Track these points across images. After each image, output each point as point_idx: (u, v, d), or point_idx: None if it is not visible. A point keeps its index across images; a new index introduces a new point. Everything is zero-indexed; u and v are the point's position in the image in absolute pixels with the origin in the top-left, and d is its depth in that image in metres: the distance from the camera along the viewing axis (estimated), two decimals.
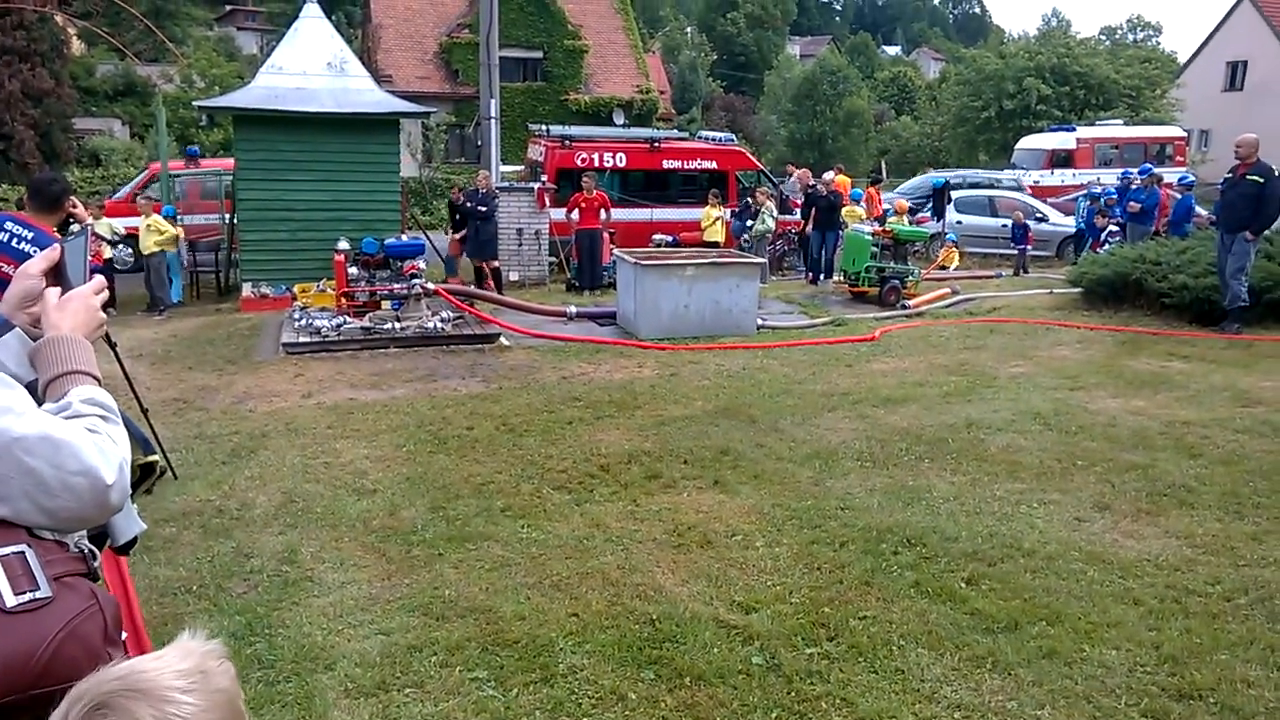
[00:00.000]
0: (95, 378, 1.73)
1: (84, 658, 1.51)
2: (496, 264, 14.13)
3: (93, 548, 1.77)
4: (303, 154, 12.03)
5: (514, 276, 14.82)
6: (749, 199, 16.22)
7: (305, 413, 8.12)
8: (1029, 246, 18.06)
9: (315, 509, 5.82)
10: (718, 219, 15.83)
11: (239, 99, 12.64)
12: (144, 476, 6.16)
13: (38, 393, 1.73)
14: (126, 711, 1.00)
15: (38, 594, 1.49)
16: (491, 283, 13.76)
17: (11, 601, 1.47)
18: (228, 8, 58.47)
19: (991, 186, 23.46)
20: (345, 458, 6.84)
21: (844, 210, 16.36)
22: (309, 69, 12.30)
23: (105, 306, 1.84)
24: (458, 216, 12.53)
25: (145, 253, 13.65)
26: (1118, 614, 4.29)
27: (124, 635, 1.65)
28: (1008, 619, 4.23)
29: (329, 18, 13.42)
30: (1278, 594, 4.43)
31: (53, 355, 1.71)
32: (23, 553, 1.52)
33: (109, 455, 1.59)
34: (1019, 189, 23.13)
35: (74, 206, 4.97)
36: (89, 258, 1.88)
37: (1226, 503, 5.60)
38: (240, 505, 5.93)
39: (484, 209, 13.91)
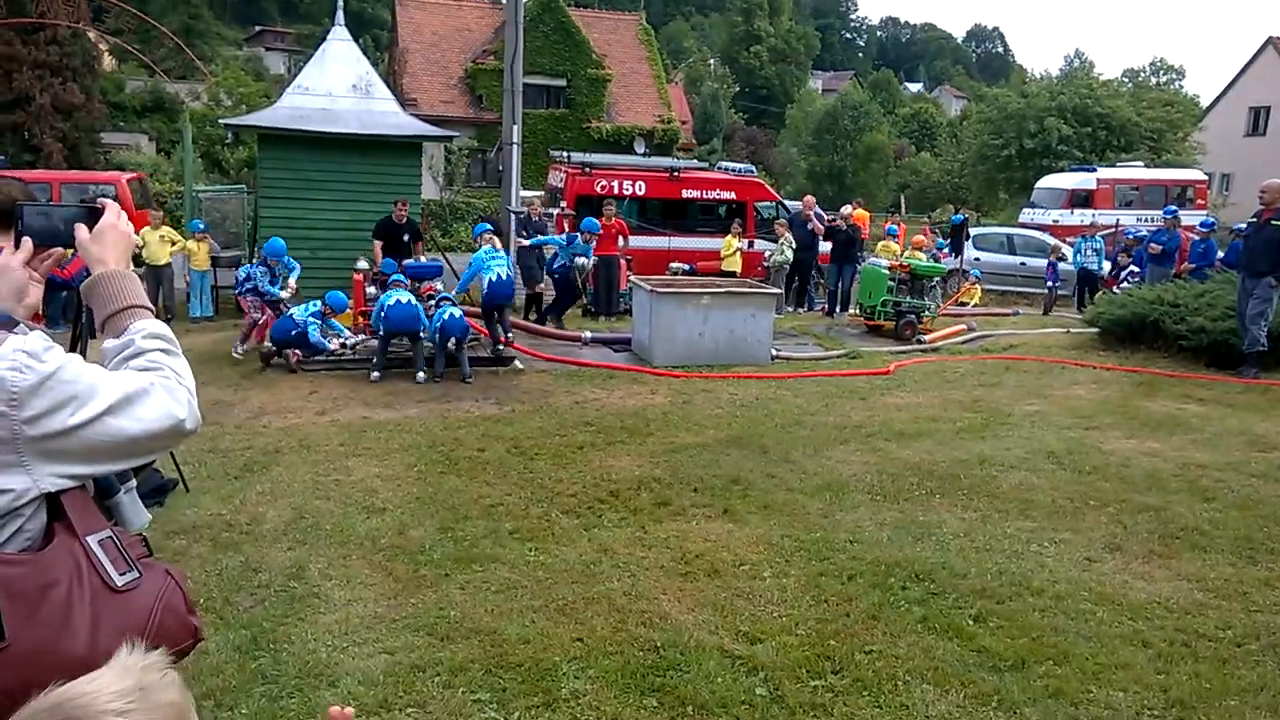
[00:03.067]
0: (150, 309, 1.81)
1: (176, 626, 1.65)
2: (540, 288, 14.24)
3: (145, 520, 1.87)
4: (325, 174, 12.14)
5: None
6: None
7: (318, 430, 8.17)
8: (1059, 284, 18.10)
9: (325, 526, 5.84)
10: (737, 249, 15.88)
11: (264, 118, 12.79)
12: (157, 491, 6.21)
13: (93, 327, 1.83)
14: None
15: (134, 574, 1.60)
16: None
17: (120, 581, 1.58)
18: (257, 28, 59.39)
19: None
20: (356, 475, 6.87)
21: (879, 245, 16.42)
22: (334, 90, 12.44)
23: None
24: (406, 237, 12.49)
25: (158, 264, 13.80)
26: (1126, 656, 4.25)
27: None
28: (1015, 657, 4.20)
29: (356, 41, 13.58)
30: None
31: (107, 291, 1.78)
32: (112, 536, 1.62)
33: (176, 393, 1.69)
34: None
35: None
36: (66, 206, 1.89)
37: (1239, 547, 5.55)
38: (250, 520, 5.96)
39: (538, 235, 14.16)
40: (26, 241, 1.81)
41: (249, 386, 9.62)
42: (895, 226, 18.74)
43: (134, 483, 1.86)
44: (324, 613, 4.66)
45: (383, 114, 12.54)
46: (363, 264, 11.51)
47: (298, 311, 10.52)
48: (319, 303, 10.66)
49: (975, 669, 4.12)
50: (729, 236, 16.08)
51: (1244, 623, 4.59)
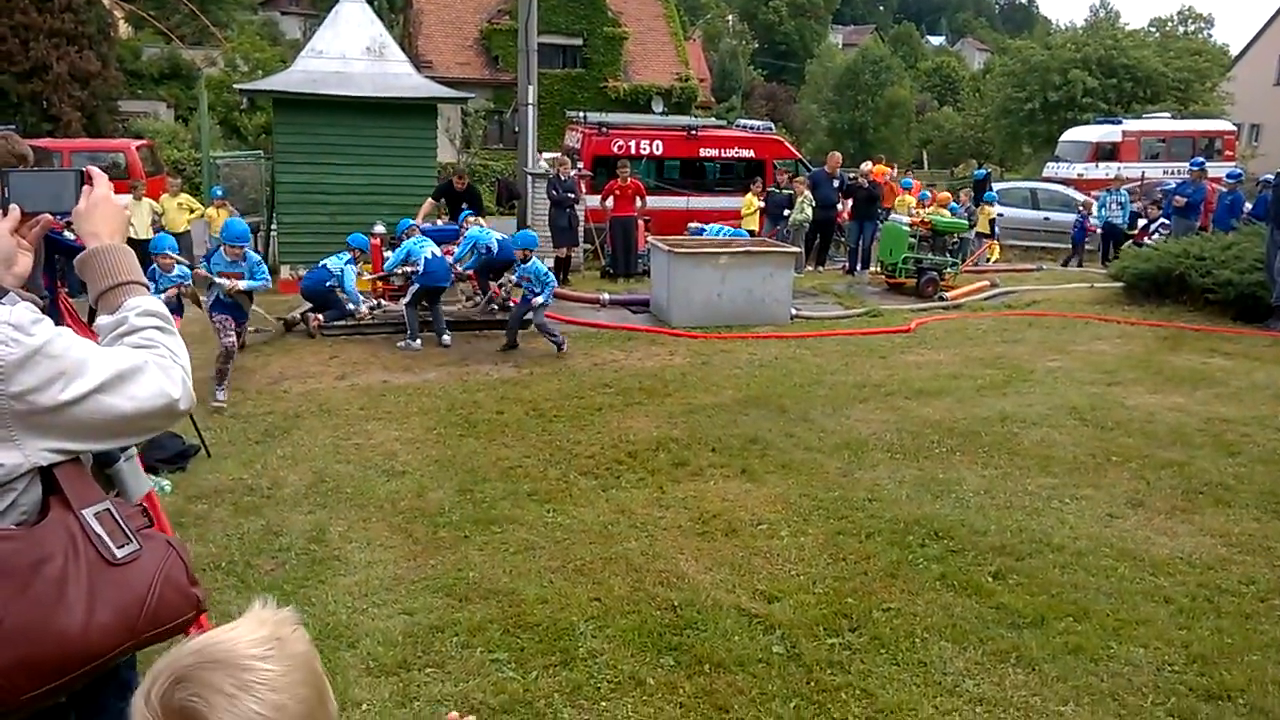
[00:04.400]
0: (145, 285, 1.79)
1: (178, 598, 1.65)
2: (568, 251, 14.24)
3: (145, 490, 1.86)
4: (340, 138, 12.11)
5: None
6: (777, 188, 15.99)
7: (338, 394, 8.20)
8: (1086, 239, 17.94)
9: (345, 489, 5.88)
10: (758, 208, 15.69)
11: (278, 82, 12.75)
12: (179, 456, 6.24)
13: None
14: (206, 683, 1.01)
15: (133, 546, 1.59)
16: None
17: (119, 554, 1.57)
18: None
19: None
20: (376, 439, 6.90)
21: (897, 200, 16.23)
22: (348, 53, 12.37)
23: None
24: (465, 205, 12.43)
25: (177, 231, 13.83)
26: (1147, 612, 4.22)
27: None
28: (1034, 614, 4.18)
29: (369, 3, 13.48)
30: None
31: (101, 266, 1.76)
32: (109, 509, 1.61)
33: (171, 372, 1.67)
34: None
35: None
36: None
37: (1264, 501, 5.48)
38: (271, 484, 6.00)
39: (572, 195, 14.09)
40: (14, 208, 1.78)
41: (269, 352, 9.66)
42: (910, 179, 18.53)
43: (134, 451, 1.85)
44: (344, 575, 4.69)
45: (396, 76, 12.46)
46: (379, 228, 11.50)
47: (331, 261, 10.51)
48: (345, 251, 10.63)
49: (994, 626, 4.10)
50: (749, 195, 15.90)
51: (1268, 577, 4.54)
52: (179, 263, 8.50)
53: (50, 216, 1.83)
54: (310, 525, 5.33)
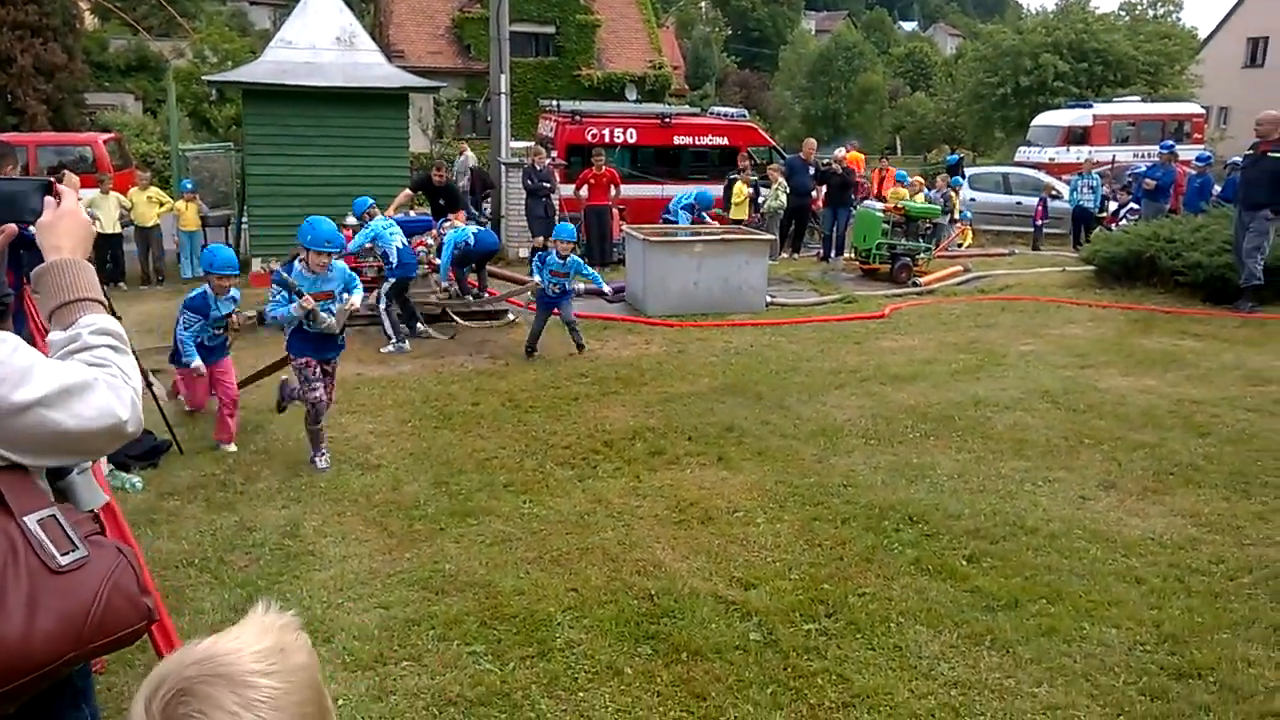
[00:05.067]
0: (102, 303, 1.75)
1: (127, 607, 1.60)
2: (544, 240, 14.17)
3: (98, 503, 1.82)
4: (311, 129, 11.98)
5: (523, 253, 14.78)
6: (734, 175, 15.89)
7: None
8: (1045, 222, 18.07)
9: (319, 483, 5.84)
10: (748, 196, 15.52)
11: (247, 74, 12.61)
12: (150, 453, 6.17)
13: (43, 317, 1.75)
14: (209, 698, 0.99)
15: (78, 553, 1.55)
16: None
17: (62, 561, 1.53)
18: None
19: None
20: (350, 432, 6.86)
21: (890, 192, 16.20)
22: (318, 43, 12.24)
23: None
24: (441, 201, 12.27)
25: (146, 225, 13.68)
26: (1119, 592, 4.26)
27: None
28: (1008, 597, 4.21)
29: None
30: None
31: (58, 280, 1.72)
32: (54, 515, 1.57)
33: (121, 392, 1.63)
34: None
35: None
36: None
37: (1234, 482, 5.55)
38: (245, 479, 5.96)
39: (547, 185, 14.04)
40: None
41: (240, 346, 9.54)
42: (904, 173, 18.58)
43: (89, 464, 1.81)
44: (319, 569, 4.67)
45: (367, 66, 12.36)
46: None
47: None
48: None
49: (968, 609, 4.13)
50: (738, 184, 15.71)
51: (1237, 556, 4.59)
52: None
53: (14, 227, 1.79)
54: (284, 520, 5.30)
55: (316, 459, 6.19)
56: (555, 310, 9.31)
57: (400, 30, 31.84)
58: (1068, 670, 3.66)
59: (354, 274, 6.51)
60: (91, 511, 1.74)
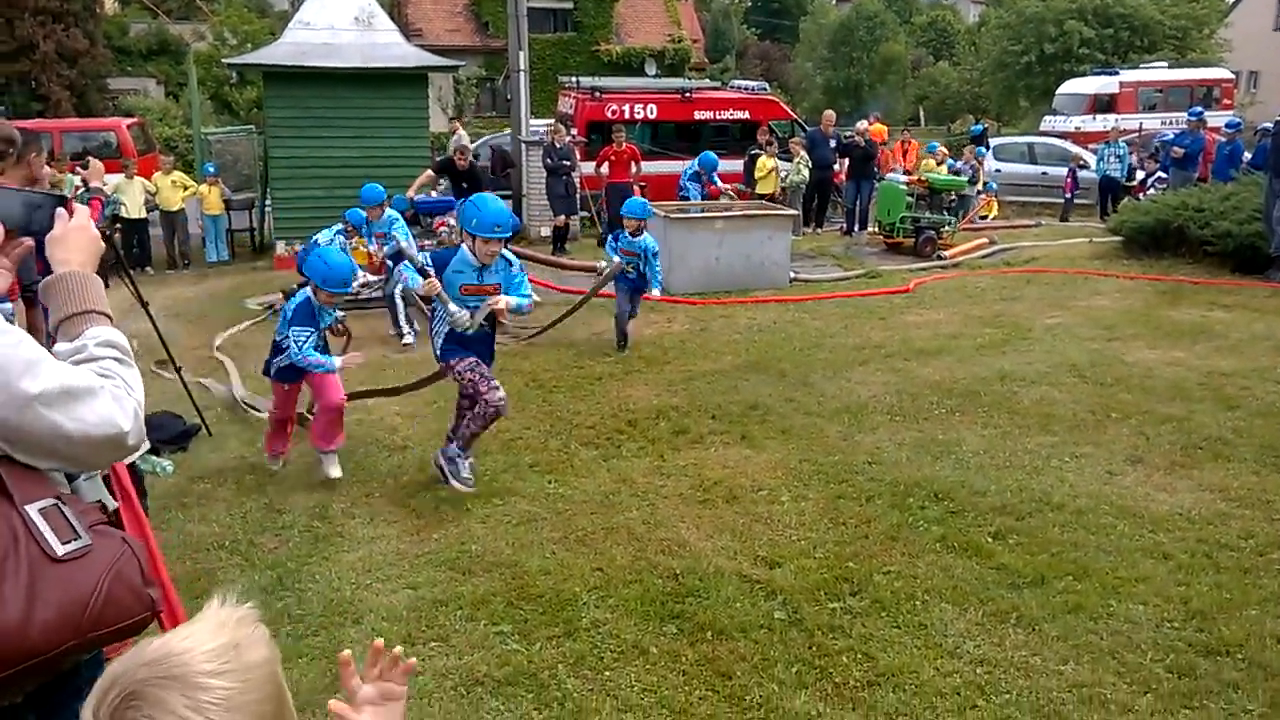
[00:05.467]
0: (108, 315, 1.76)
1: (129, 598, 1.61)
2: (566, 219, 14.18)
3: (103, 497, 1.83)
4: (331, 110, 12.00)
5: (545, 231, 14.78)
6: (755, 150, 15.71)
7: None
8: (1076, 193, 17.88)
9: (347, 465, 5.89)
10: (772, 170, 15.35)
11: (266, 56, 12.63)
12: (180, 437, 6.24)
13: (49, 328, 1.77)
14: (159, 702, 0.98)
15: (80, 542, 1.56)
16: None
17: (61, 550, 1.54)
18: None
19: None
20: (377, 414, 6.91)
21: (920, 164, 16.03)
22: (336, 24, 12.23)
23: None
24: (464, 184, 12.28)
25: (171, 209, 13.77)
26: (1147, 569, 4.24)
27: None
28: (1034, 574, 4.20)
29: None
30: None
31: (66, 292, 1.73)
32: (57, 504, 1.58)
33: (124, 403, 1.64)
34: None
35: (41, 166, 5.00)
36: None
37: (1264, 455, 5.49)
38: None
39: (568, 163, 14.03)
40: None
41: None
42: (936, 143, 18.39)
43: (97, 471, 1.82)
44: (347, 551, 4.72)
45: (386, 46, 12.34)
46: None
47: (322, 235, 10.22)
48: (339, 225, 9.93)
49: (994, 586, 4.12)
50: (762, 157, 15.54)
51: (1266, 531, 4.56)
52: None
53: (29, 243, 1.81)
54: (313, 502, 5.36)
55: (460, 467, 5.23)
56: (635, 291, 8.54)
57: (418, 8, 31.77)
58: (1094, 647, 3.65)
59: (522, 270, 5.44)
60: (97, 501, 1.75)
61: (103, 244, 1.83)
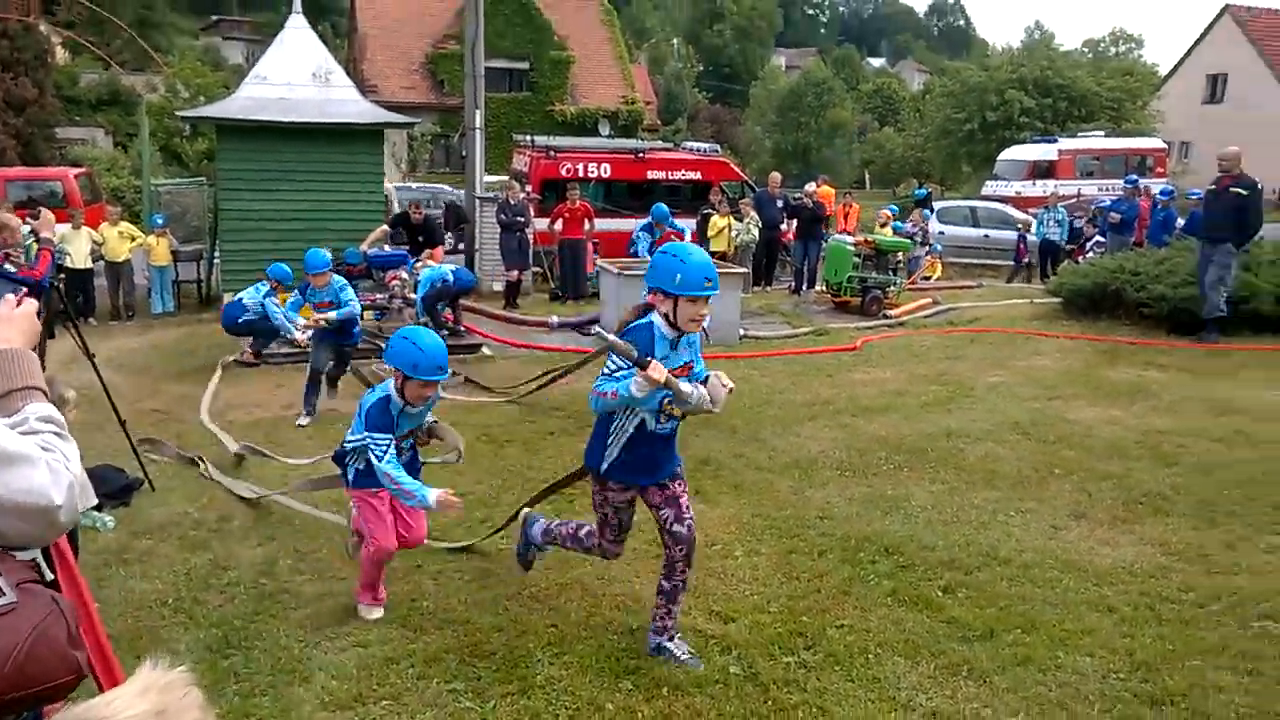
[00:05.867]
0: (44, 391, 1.79)
1: (53, 659, 1.56)
2: (519, 275, 14.29)
3: (39, 559, 1.79)
4: (286, 164, 11.99)
5: (497, 286, 14.83)
6: (707, 210, 15.99)
7: (286, 423, 8.11)
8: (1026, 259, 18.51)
9: (294, 521, 5.81)
10: (724, 229, 15.50)
11: (221, 109, 12.62)
12: (122, 491, 6.07)
13: None
14: None
15: (4, 599, 1.52)
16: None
17: None
18: (214, 18, 58.42)
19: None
20: (326, 469, 6.81)
21: (877, 225, 16.40)
22: (293, 79, 12.28)
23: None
24: (420, 238, 12.37)
25: (117, 260, 13.61)
26: (1092, 621, 4.32)
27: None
28: (983, 627, 4.26)
29: (314, 28, 13.42)
30: (1250, 600, 4.47)
31: (4, 369, 1.77)
32: None
33: (60, 476, 1.61)
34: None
35: None
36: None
37: (1201, 510, 5.64)
38: (219, 517, 5.92)
39: (521, 219, 14.24)
40: None
41: (239, 382, 9.51)
42: (896, 206, 18.96)
43: None
44: (295, 608, 4.63)
45: (342, 102, 12.40)
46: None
47: (247, 294, 9.97)
48: (264, 283, 9.81)
49: (945, 639, 4.17)
50: (715, 216, 15.75)
51: (1206, 585, 4.67)
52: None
53: None
54: (259, 558, 5.26)
55: (538, 553, 4.60)
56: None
57: (373, 66, 32.01)
58: (1043, 699, 3.70)
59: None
60: (30, 560, 1.72)
61: (39, 328, 1.90)
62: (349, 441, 4.45)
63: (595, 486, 4.12)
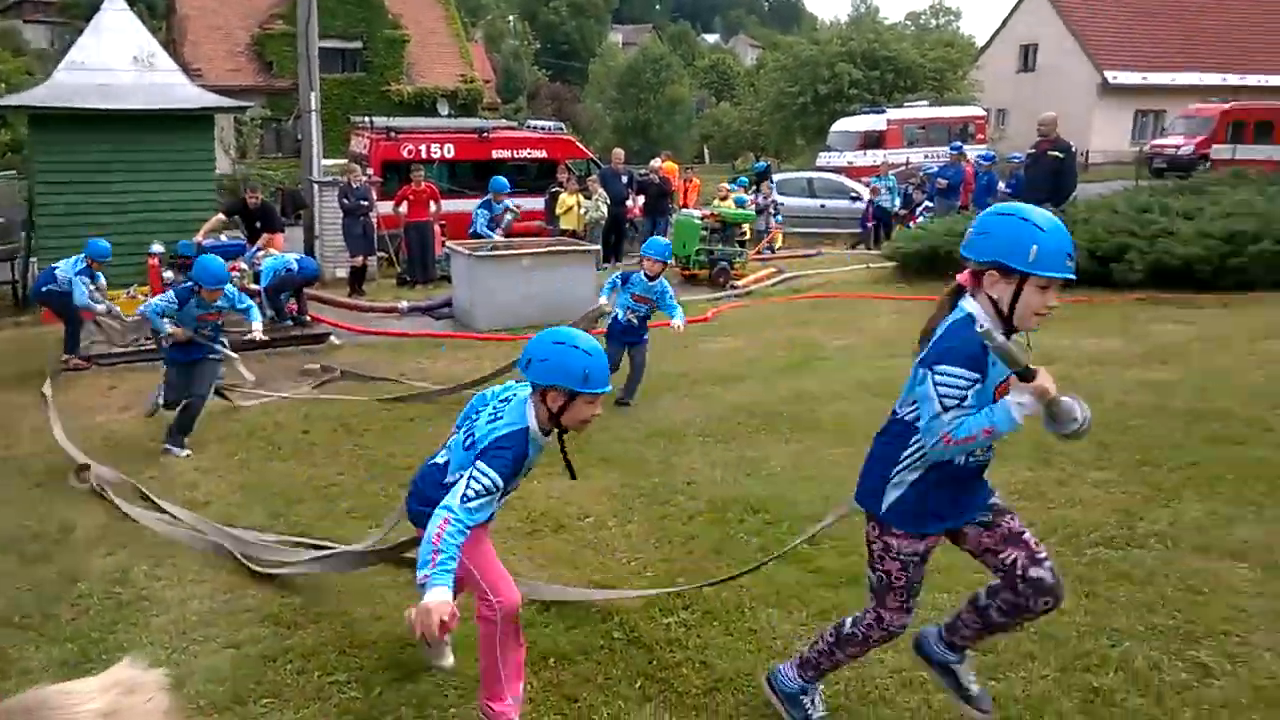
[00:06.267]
0: None
1: None
2: (364, 259, 13.92)
3: None
4: (110, 155, 11.29)
5: (341, 273, 14.41)
6: (555, 188, 16.05)
7: (124, 427, 7.73)
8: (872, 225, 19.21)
9: (145, 527, 5.54)
10: (572, 206, 15.55)
11: (35, 97, 11.76)
12: None
13: None
14: None
15: None
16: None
17: None
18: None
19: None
20: (173, 471, 6.55)
21: (724, 199, 16.68)
22: (113, 64, 11.55)
23: None
24: (257, 224, 11.89)
25: None
26: (945, 559, 4.59)
27: None
28: (849, 574, 4.47)
29: (130, 8, 12.64)
30: (1082, 531, 4.86)
31: None
32: None
33: None
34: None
35: None
36: None
37: (1036, 453, 6.05)
38: (60, 528, 5.59)
39: (365, 203, 13.86)
40: None
41: (41, 387, 8.92)
42: (745, 179, 19.33)
43: None
44: (156, 615, 4.45)
45: (168, 86, 11.77)
46: (157, 247, 10.85)
47: (62, 265, 9.55)
48: (82, 259, 9.55)
49: (814, 588, 4.37)
50: (563, 194, 15.76)
51: (1043, 519, 5.03)
52: None
53: None
54: (111, 567, 5.01)
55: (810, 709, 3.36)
56: (630, 345, 7.74)
57: (196, 48, 30.43)
58: (909, 636, 3.93)
59: None
60: None
61: None
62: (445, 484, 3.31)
63: (873, 534, 3.17)
